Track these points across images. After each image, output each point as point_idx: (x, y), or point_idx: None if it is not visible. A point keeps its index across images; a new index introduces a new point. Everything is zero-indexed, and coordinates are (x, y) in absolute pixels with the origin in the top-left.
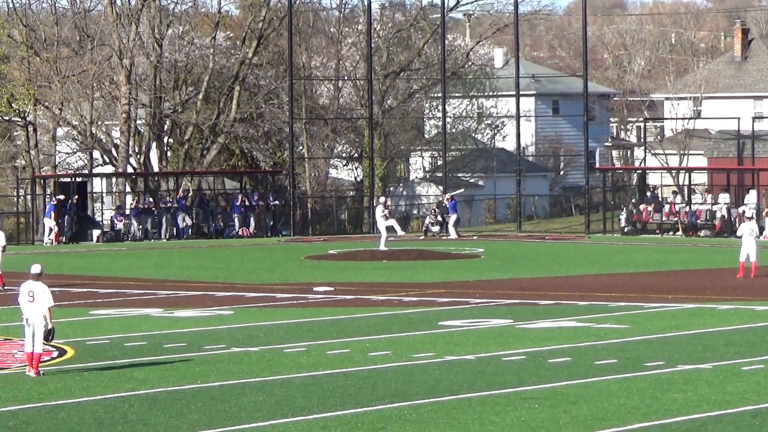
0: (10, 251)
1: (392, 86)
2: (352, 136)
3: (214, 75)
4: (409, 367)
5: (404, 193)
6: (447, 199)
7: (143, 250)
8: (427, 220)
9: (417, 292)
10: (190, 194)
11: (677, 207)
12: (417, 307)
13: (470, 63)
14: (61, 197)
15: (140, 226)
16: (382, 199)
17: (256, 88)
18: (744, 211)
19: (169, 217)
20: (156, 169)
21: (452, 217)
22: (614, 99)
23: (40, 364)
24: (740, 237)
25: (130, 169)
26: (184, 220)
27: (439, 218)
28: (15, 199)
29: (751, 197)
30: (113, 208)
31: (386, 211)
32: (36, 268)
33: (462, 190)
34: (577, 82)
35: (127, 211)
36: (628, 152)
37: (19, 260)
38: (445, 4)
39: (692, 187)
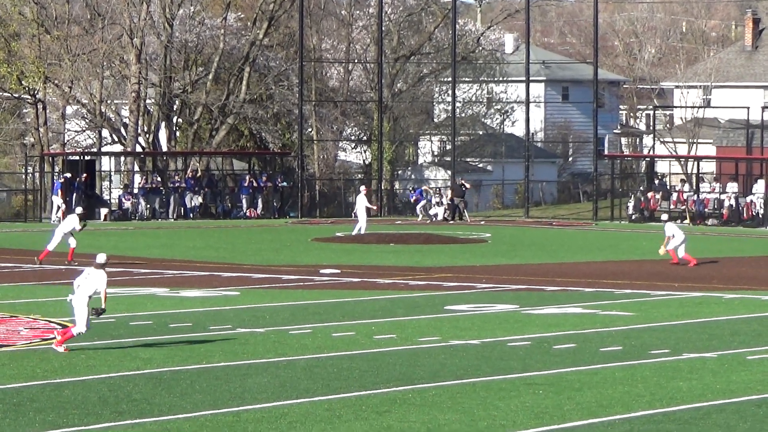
0: (17, 228)
1: (402, 70)
2: (362, 119)
3: (225, 56)
4: (414, 350)
5: (412, 176)
6: (461, 184)
7: (150, 230)
8: (420, 205)
9: (423, 276)
10: (198, 174)
11: (685, 195)
12: (423, 291)
13: (481, 48)
14: (69, 175)
15: (148, 206)
16: (363, 189)
17: (266, 69)
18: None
19: (177, 196)
20: (165, 148)
21: (422, 203)
22: (624, 86)
23: (48, 341)
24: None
25: (138, 149)
26: (192, 200)
27: (442, 201)
28: (23, 176)
29: (760, 187)
30: (121, 187)
31: (367, 201)
32: (100, 258)
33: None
34: (587, 69)
35: (135, 191)
36: (637, 140)
37: (26, 237)
38: None
39: (700, 175)
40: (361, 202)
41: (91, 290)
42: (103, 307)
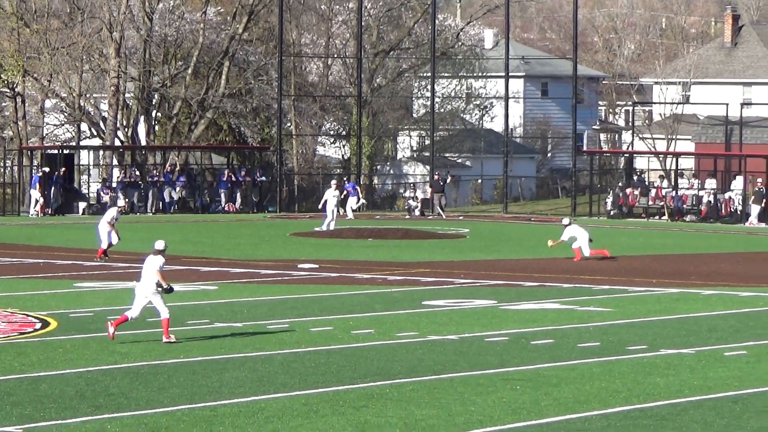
0: None
1: (381, 65)
2: (341, 114)
3: (204, 50)
4: (391, 345)
5: (391, 171)
6: (438, 178)
7: (129, 224)
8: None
9: (401, 271)
10: (176, 169)
11: (664, 191)
12: (401, 286)
13: (460, 43)
14: (47, 169)
15: (126, 200)
16: (333, 183)
17: (245, 63)
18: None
19: (156, 191)
20: (143, 142)
21: (351, 200)
22: (603, 82)
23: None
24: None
25: (117, 143)
26: (170, 194)
27: (417, 196)
28: (1, 170)
29: (738, 183)
30: (100, 180)
31: (336, 197)
32: (159, 245)
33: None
34: (566, 65)
35: (114, 184)
36: (616, 136)
37: (4, 231)
38: None
39: (679, 171)
40: (331, 197)
41: (154, 274)
42: (165, 285)
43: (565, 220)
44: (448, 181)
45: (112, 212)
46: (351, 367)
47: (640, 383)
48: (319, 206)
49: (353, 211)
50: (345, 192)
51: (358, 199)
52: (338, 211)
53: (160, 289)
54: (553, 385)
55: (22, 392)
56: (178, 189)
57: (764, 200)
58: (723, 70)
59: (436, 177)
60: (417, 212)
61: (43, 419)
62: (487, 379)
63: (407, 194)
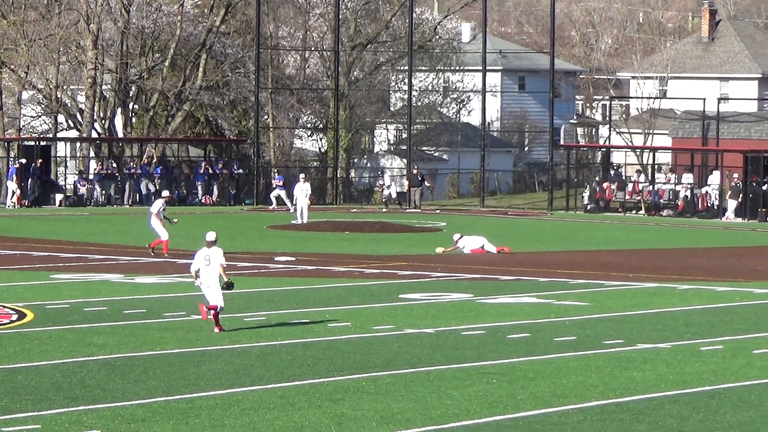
0: None
1: (359, 58)
2: (318, 107)
3: (181, 42)
4: (368, 339)
5: (368, 165)
6: (417, 172)
7: (105, 216)
8: (275, 193)
9: (378, 265)
10: (154, 161)
11: (641, 186)
12: (378, 279)
13: (437, 37)
14: (24, 161)
15: (103, 192)
16: (302, 176)
17: (222, 56)
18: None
19: (133, 183)
20: (120, 134)
21: (280, 192)
22: (580, 77)
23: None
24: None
25: (94, 134)
26: (147, 186)
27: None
28: None
29: (715, 178)
30: (76, 172)
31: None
32: (211, 236)
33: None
34: (543, 59)
35: (91, 176)
36: (593, 130)
37: None
38: None
39: (656, 166)
40: (299, 191)
41: (216, 267)
42: (227, 280)
43: (456, 236)
44: (426, 183)
45: (158, 204)
46: (327, 360)
47: (616, 377)
48: (292, 201)
49: (389, 196)
50: (276, 185)
51: (389, 188)
52: (275, 203)
53: (226, 284)
54: (530, 379)
55: None
56: (155, 181)
57: (741, 195)
58: (700, 65)
59: (414, 171)
60: (392, 193)
61: (19, 411)
62: (464, 373)
63: (379, 183)
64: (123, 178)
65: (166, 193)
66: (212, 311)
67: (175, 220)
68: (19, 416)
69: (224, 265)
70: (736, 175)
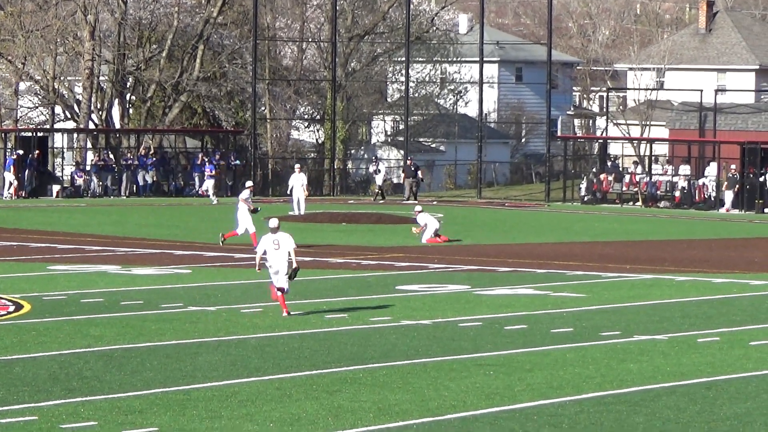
0: None
1: (356, 49)
2: (315, 98)
3: (178, 33)
4: (365, 330)
5: (365, 156)
6: (410, 163)
7: (103, 207)
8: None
9: (375, 256)
10: (151, 152)
11: (638, 177)
12: (375, 270)
13: (435, 28)
14: (21, 152)
15: (100, 183)
16: (297, 166)
17: (219, 47)
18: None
19: (130, 174)
20: (117, 125)
21: (208, 182)
22: (578, 68)
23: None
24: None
25: (91, 126)
26: (144, 177)
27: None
28: None
29: (712, 169)
30: (74, 164)
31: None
32: (273, 222)
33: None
34: (541, 50)
35: (88, 167)
36: (590, 121)
37: None
38: None
39: (653, 157)
40: (296, 181)
41: (285, 252)
42: (295, 266)
43: (418, 208)
44: (419, 174)
45: (245, 194)
46: (324, 351)
47: (613, 369)
48: (288, 192)
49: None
50: (208, 174)
51: (379, 173)
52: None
53: (292, 270)
54: (527, 371)
55: None
56: (151, 172)
57: (737, 186)
58: (697, 56)
59: (408, 162)
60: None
61: (16, 402)
62: (461, 365)
63: (371, 168)
64: (120, 170)
65: (249, 183)
66: (280, 293)
67: (259, 208)
68: (16, 408)
69: (294, 248)
70: (733, 167)
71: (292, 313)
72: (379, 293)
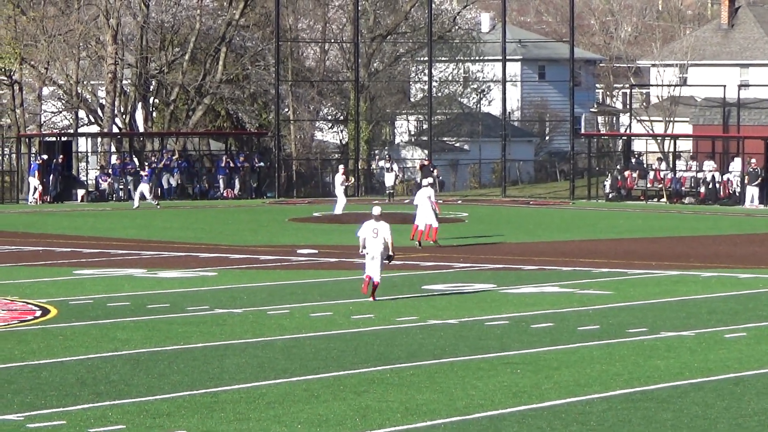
0: None
1: (378, 49)
2: (338, 99)
3: (201, 36)
4: (391, 330)
5: (389, 156)
6: (428, 164)
7: (127, 210)
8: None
9: (400, 256)
10: (175, 157)
11: (662, 174)
12: (400, 270)
13: (457, 27)
14: (45, 156)
15: (125, 186)
16: (341, 168)
17: (242, 49)
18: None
19: (154, 177)
20: (141, 129)
21: (143, 186)
22: (600, 65)
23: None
24: (416, 204)
25: (115, 129)
26: (168, 180)
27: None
28: (0, 157)
29: (736, 165)
30: (98, 167)
31: (345, 181)
32: (377, 210)
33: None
34: (563, 48)
35: (112, 171)
36: (614, 118)
37: (3, 219)
38: None
39: (677, 154)
40: (338, 182)
41: (382, 240)
42: (391, 253)
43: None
44: (435, 172)
45: (428, 191)
46: (351, 352)
47: (640, 366)
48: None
49: (146, 199)
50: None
51: (152, 189)
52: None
53: (388, 256)
54: (554, 369)
55: (23, 380)
56: (176, 175)
57: (760, 179)
58: (720, 51)
59: (426, 163)
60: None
61: (44, 407)
62: (488, 363)
63: (381, 163)
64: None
65: (426, 181)
66: (373, 282)
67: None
68: (44, 412)
69: (391, 238)
70: (753, 161)
71: (377, 299)
72: (405, 293)
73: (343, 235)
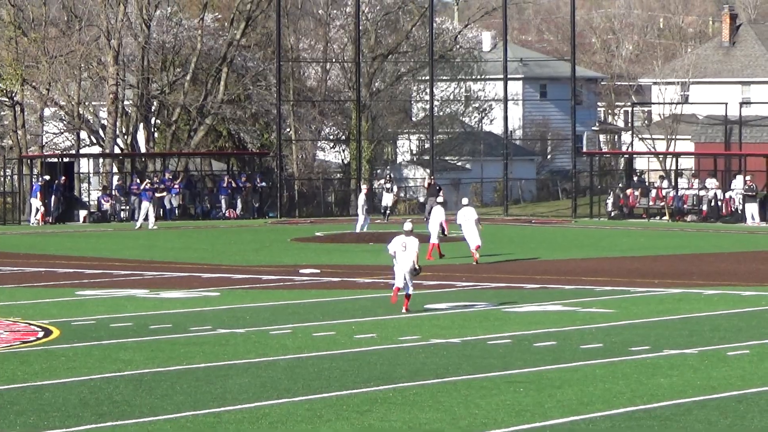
0: None
1: (380, 69)
2: (340, 119)
3: (202, 56)
4: (394, 349)
5: (391, 175)
6: (433, 182)
7: (129, 231)
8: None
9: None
10: (178, 179)
11: (664, 192)
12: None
13: (458, 46)
14: (47, 177)
15: (127, 207)
16: (364, 188)
17: (243, 69)
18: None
19: (155, 198)
20: (143, 149)
21: (144, 204)
22: (602, 83)
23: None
24: (459, 224)
25: (117, 150)
26: (170, 201)
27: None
28: (2, 179)
29: (738, 182)
30: (100, 188)
31: (365, 202)
32: (408, 225)
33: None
34: (564, 66)
35: (114, 192)
36: (616, 137)
37: (5, 240)
38: None
39: (679, 171)
40: (360, 201)
41: (412, 253)
42: (417, 267)
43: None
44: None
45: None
46: (354, 371)
47: (643, 384)
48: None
49: (386, 207)
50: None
51: (390, 191)
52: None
53: (414, 270)
54: (557, 387)
55: (26, 401)
56: (178, 196)
57: (755, 195)
58: (721, 69)
59: (431, 182)
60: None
61: (46, 428)
62: (491, 382)
63: (381, 182)
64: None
65: (439, 199)
66: (404, 294)
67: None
68: None
69: (418, 252)
70: (748, 178)
71: (409, 311)
72: (408, 312)
73: (345, 254)
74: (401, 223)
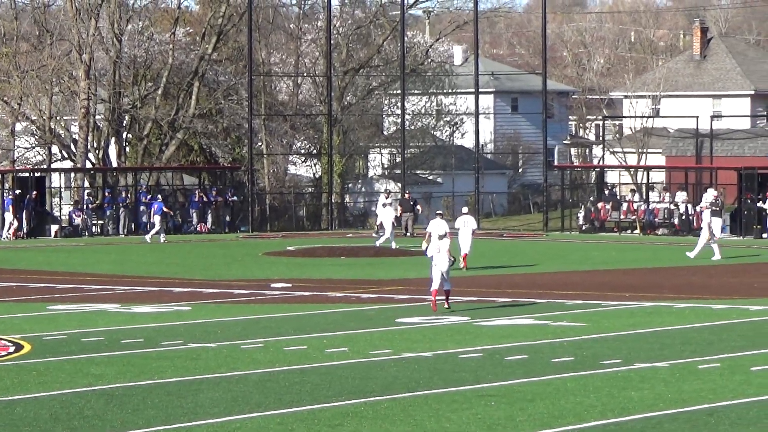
0: None
1: (351, 83)
2: (311, 133)
3: (174, 70)
4: (366, 363)
5: (363, 189)
6: (408, 197)
7: (101, 246)
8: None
9: (375, 289)
10: (151, 194)
11: (635, 205)
12: (374, 304)
13: (429, 60)
14: (19, 192)
15: (98, 222)
16: (385, 197)
17: (215, 83)
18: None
19: (128, 212)
20: (115, 164)
21: (157, 218)
22: (573, 97)
23: None
24: (457, 228)
25: (88, 164)
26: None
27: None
28: None
29: (709, 196)
30: (71, 203)
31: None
32: (441, 230)
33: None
34: (536, 80)
35: (85, 207)
36: (587, 150)
37: None
38: (405, 1)
39: (650, 185)
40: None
41: (446, 253)
42: (452, 259)
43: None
44: (417, 207)
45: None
46: (325, 385)
47: (614, 397)
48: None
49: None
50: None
51: (168, 220)
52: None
53: (451, 262)
54: (528, 401)
55: None
56: (150, 210)
57: (721, 210)
58: (692, 82)
59: (406, 196)
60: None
61: None
62: (462, 396)
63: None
64: (117, 208)
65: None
66: (444, 297)
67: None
68: None
69: (449, 249)
70: (714, 192)
71: (450, 307)
72: (380, 326)
73: (317, 268)
74: (408, 236)
